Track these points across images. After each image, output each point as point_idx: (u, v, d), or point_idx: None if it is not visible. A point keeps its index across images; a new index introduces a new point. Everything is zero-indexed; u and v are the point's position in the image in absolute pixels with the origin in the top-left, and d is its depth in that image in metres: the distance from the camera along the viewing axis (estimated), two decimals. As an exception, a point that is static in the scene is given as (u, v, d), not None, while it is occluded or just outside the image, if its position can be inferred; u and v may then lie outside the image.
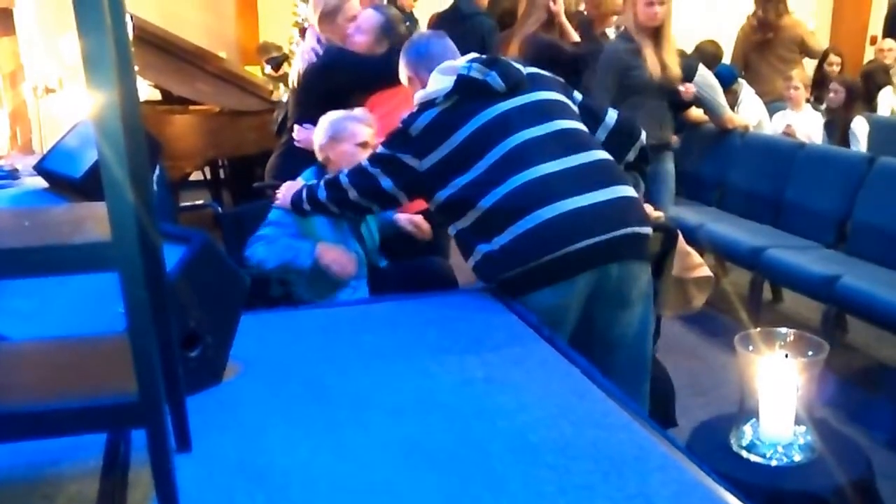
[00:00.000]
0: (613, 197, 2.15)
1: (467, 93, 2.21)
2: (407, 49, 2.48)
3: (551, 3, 4.86)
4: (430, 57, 2.36)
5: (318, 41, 3.39)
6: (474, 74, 2.21)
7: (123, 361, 1.08)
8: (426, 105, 2.25)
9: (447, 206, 2.23)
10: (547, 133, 2.18)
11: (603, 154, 2.24)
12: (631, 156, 2.46)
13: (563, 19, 4.90)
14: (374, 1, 3.75)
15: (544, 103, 2.25)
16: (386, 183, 2.27)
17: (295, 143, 3.36)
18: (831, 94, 5.35)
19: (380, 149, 2.33)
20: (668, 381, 2.66)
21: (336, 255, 2.59)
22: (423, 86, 2.31)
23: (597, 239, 2.09)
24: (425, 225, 2.85)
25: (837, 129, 5.26)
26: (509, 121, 2.18)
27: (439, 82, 2.24)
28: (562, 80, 2.43)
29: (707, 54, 5.42)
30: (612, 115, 2.44)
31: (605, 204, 2.13)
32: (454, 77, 2.22)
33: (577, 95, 2.42)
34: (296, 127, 3.39)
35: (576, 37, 4.85)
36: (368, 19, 3.34)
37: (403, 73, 2.49)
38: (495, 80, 2.21)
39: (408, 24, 3.70)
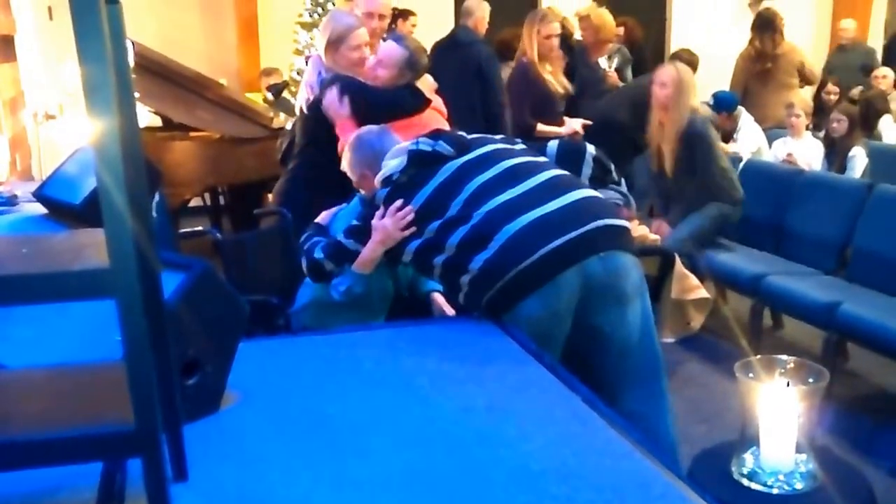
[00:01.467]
0: (577, 198, 2.25)
1: (420, 164, 2.36)
2: (357, 147, 2.62)
3: (525, 57, 4.88)
4: (383, 152, 2.50)
5: (320, 73, 3.41)
6: (423, 147, 2.38)
7: (121, 390, 1.08)
8: (385, 182, 2.40)
9: (420, 252, 2.32)
10: (498, 172, 2.31)
11: (555, 171, 2.35)
12: (586, 171, 2.53)
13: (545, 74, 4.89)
14: (374, 30, 3.76)
15: (490, 153, 2.39)
16: (360, 249, 2.42)
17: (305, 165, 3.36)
18: (834, 124, 5.37)
19: (353, 222, 2.48)
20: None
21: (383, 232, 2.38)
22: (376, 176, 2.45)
23: (569, 236, 2.16)
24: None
25: (837, 157, 5.29)
26: (463, 174, 2.32)
27: (393, 162, 2.40)
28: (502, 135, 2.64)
29: (683, 62, 5.27)
30: (552, 146, 2.57)
31: (570, 205, 2.23)
32: (406, 155, 2.38)
33: (518, 141, 2.57)
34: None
35: (559, 88, 4.89)
36: (391, 54, 3.30)
37: (354, 171, 2.63)
38: (443, 147, 2.37)
39: (428, 55, 3.70)
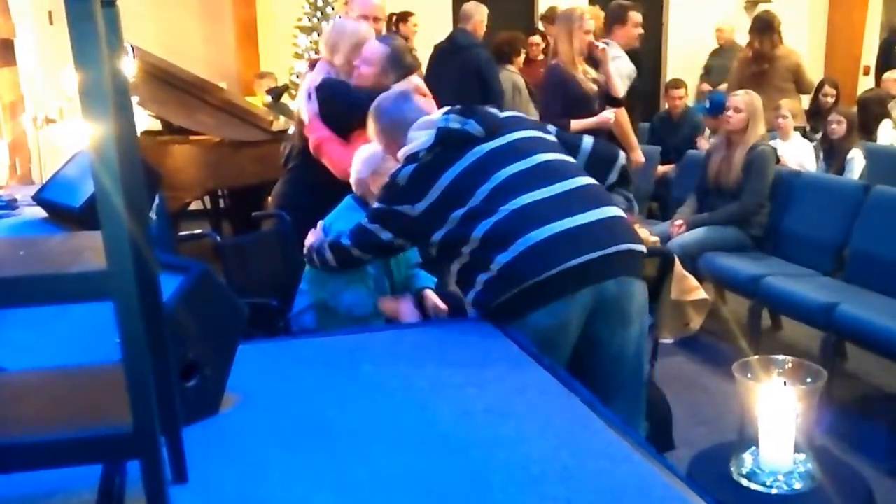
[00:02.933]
0: (603, 217, 2.20)
1: (448, 142, 2.27)
2: (378, 116, 2.51)
3: (556, 59, 4.75)
4: (404, 120, 2.42)
5: (328, 75, 3.43)
6: (453, 125, 2.28)
7: (119, 392, 1.08)
8: (410, 159, 2.31)
9: (444, 244, 2.27)
10: (529, 166, 2.24)
11: (586, 179, 2.30)
12: (613, 177, 2.52)
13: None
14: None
15: (523, 141, 2.31)
16: (386, 235, 2.35)
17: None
18: (833, 125, 5.38)
19: (375, 205, 2.40)
20: (666, 404, 2.66)
21: (391, 307, 2.67)
22: (401, 147, 2.38)
23: (591, 256, 2.12)
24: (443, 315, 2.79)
25: (836, 159, 5.29)
26: (492, 160, 2.24)
27: (420, 137, 2.31)
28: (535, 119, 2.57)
29: (613, 13, 5.25)
30: (587, 142, 2.52)
31: (596, 223, 2.18)
32: (434, 130, 2.29)
33: (552, 128, 2.50)
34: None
35: (592, 85, 4.76)
36: (374, 51, 3.35)
37: (378, 139, 2.53)
38: (474, 127, 2.28)
39: (414, 52, 3.74)
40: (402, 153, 2.34)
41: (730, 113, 4.70)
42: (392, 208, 2.31)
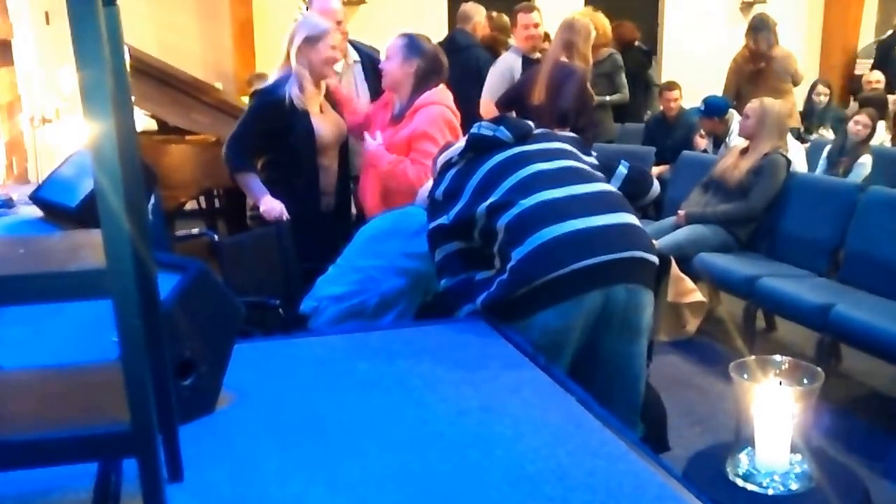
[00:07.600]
0: (620, 222, 2.21)
1: (479, 148, 2.38)
2: (433, 161, 2.70)
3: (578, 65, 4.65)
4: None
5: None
6: (484, 132, 2.39)
7: (117, 390, 1.08)
8: (445, 168, 2.42)
9: (483, 240, 2.29)
10: (555, 168, 2.30)
11: (608, 186, 2.33)
12: (641, 202, 2.61)
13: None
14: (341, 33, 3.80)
15: (552, 149, 2.39)
16: (450, 248, 2.36)
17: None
18: (859, 127, 5.28)
19: (427, 235, 2.42)
20: (661, 404, 2.65)
21: None
22: None
23: (603, 258, 2.12)
24: None
25: (845, 161, 5.24)
26: (520, 159, 2.31)
27: (455, 147, 2.45)
28: (574, 134, 2.62)
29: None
30: (623, 166, 2.57)
31: (612, 227, 2.19)
32: (466, 138, 2.42)
33: (590, 152, 2.54)
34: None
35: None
36: (392, 45, 3.41)
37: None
38: (503, 133, 2.37)
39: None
40: (439, 162, 2.45)
41: (743, 119, 4.83)
42: (435, 225, 2.37)
